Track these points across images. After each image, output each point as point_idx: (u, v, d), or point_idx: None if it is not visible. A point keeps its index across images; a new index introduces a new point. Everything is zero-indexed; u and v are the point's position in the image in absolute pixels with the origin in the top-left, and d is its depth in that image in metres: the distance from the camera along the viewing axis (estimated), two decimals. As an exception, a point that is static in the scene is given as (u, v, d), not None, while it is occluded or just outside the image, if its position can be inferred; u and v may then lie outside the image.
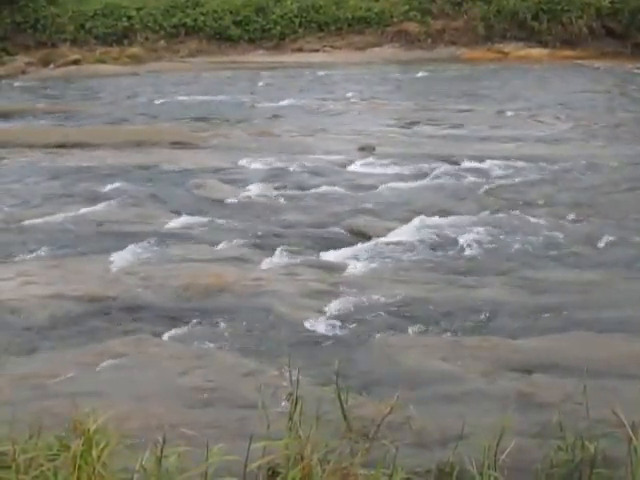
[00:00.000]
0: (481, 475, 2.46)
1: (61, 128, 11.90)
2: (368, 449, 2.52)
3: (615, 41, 21.23)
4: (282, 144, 10.36)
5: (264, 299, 5.06)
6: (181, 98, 15.00)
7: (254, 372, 3.98)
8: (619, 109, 12.95)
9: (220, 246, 6.21)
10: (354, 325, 4.70)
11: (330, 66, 19.46)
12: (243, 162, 9.28)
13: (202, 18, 22.45)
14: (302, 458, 2.31)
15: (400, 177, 8.47)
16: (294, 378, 2.71)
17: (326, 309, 4.90)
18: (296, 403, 2.62)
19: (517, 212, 7.02)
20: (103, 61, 20.98)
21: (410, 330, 4.63)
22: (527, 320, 4.74)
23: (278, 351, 4.29)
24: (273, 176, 8.57)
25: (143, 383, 3.93)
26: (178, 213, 7.24)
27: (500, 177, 8.41)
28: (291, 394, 2.68)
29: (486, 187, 8.01)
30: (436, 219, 6.81)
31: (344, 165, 9.09)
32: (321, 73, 18.36)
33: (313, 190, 7.99)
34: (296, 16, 22.50)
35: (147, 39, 22.26)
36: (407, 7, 22.45)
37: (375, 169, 8.89)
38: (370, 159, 9.30)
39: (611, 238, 6.22)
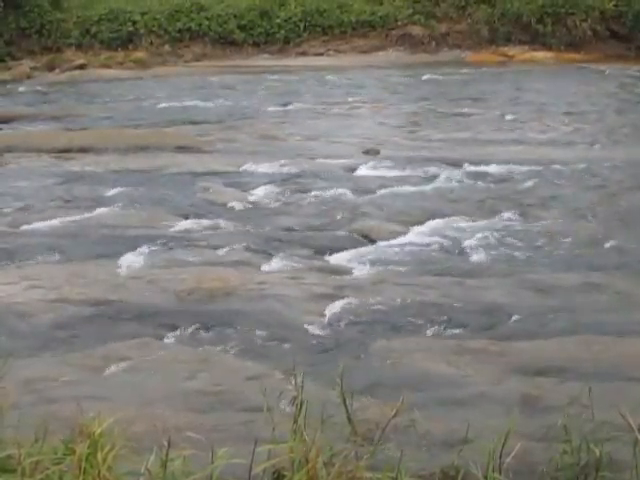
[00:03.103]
0: (486, 478, 2.46)
1: (66, 132, 11.92)
2: (373, 452, 2.52)
3: (619, 44, 21.20)
4: (286, 148, 10.37)
5: (269, 302, 5.07)
6: (186, 102, 15.02)
7: (259, 375, 3.98)
8: (623, 112, 12.93)
9: (225, 249, 6.22)
10: (359, 328, 4.70)
11: (334, 70, 19.47)
12: (247, 166, 9.29)
13: (206, 22, 22.48)
14: (307, 461, 2.31)
15: (404, 180, 8.47)
16: (299, 381, 2.72)
17: (331, 312, 4.90)
18: (301, 406, 2.62)
19: (521, 215, 7.01)
20: (108, 65, 21.02)
21: (414, 333, 4.63)
22: (532, 323, 4.73)
23: (283, 354, 4.29)
24: (277, 180, 8.58)
25: (148, 386, 3.93)
26: (183, 217, 7.25)
27: (504, 180, 8.41)
28: (296, 397, 2.69)
29: (490, 190, 8.01)
30: (440, 222, 6.82)
31: (348, 169, 9.09)
32: (325, 77, 18.36)
33: (317, 193, 7.99)
34: (300, 20, 22.52)
35: (152, 43, 22.30)
36: (411, 10, 22.44)
37: (379, 172, 8.89)
38: (374, 163, 9.30)
39: (616, 240, 6.21)
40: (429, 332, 4.64)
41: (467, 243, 6.27)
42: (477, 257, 6.00)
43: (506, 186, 8.17)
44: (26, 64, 21.10)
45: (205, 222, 7.06)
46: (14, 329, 4.77)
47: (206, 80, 18.36)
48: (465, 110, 13.31)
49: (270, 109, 13.93)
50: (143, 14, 22.60)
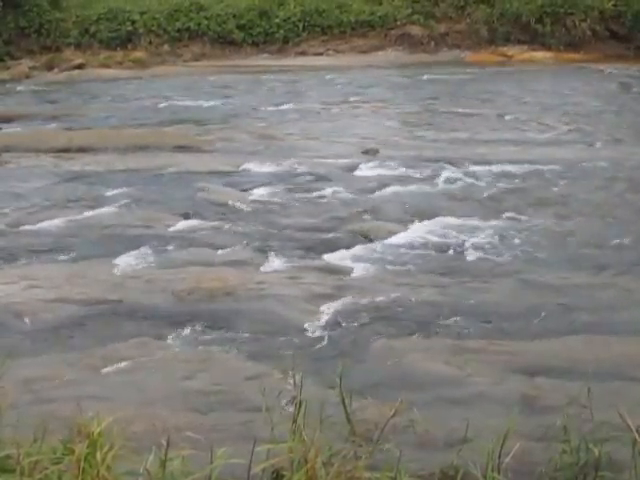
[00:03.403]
0: (485, 478, 2.46)
1: (65, 132, 11.92)
2: (372, 452, 2.52)
3: (618, 44, 21.19)
4: (286, 147, 10.36)
5: (268, 302, 5.07)
6: (185, 102, 15.02)
7: (258, 375, 3.98)
8: (623, 111, 12.93)
9: (224, 249, 6.22)
10: (358, 328, 4.70)
11: (334, 70, 19.46)
12: (247, 165, 9.29)
13: (206, 22, 22.47)
14: (306, 461, 2.31)
15: (403, 180, 8.47)
16: (298, 381, 2.72)
17: (330, 312, 4.90)
18: (300, 406, 2.63)
19: (521, 215, 7.01)
20: (107, 65, 21.01)
21: (414, 333, 4.63)
22: (531, 323, 4.73)
23: (282, 354, 4.29)
24: (277, 179, 8.58)
25: (147, 386, 3.93)
26: (182, 216, 7.24)
27: (504, 180, 8.40)
28: (295, 397, 2.69)
29: (490, 190, 8.01)
30: (439, 222, 6.81)
31: (347, 168, 9.09)
32: (325, 77, 18.37)
33: (316, 193, 7.99)
34: (299, 20, 22.51)
35: (151, 43, 22.29)
36: (410, 10, 22.44)
37: (379, 172, 8.89)
38: (373, 162, 9.30)
39: (615, 240, 6.21)
40: (428, 332, 4.64)
41: (467, 243, 6.27)
42: (477, 257, 6.00)
43: (505, 186, 8.17)
44: (25, 64, 21.09)
45: (204, 222, 7.06)
46: (13, 328, 4.77)
47: (205, 80, 18.35)
48: (465, 110, 13.30)
49: (269, 109, 13.92)
50: (142, 14, 22.59)
